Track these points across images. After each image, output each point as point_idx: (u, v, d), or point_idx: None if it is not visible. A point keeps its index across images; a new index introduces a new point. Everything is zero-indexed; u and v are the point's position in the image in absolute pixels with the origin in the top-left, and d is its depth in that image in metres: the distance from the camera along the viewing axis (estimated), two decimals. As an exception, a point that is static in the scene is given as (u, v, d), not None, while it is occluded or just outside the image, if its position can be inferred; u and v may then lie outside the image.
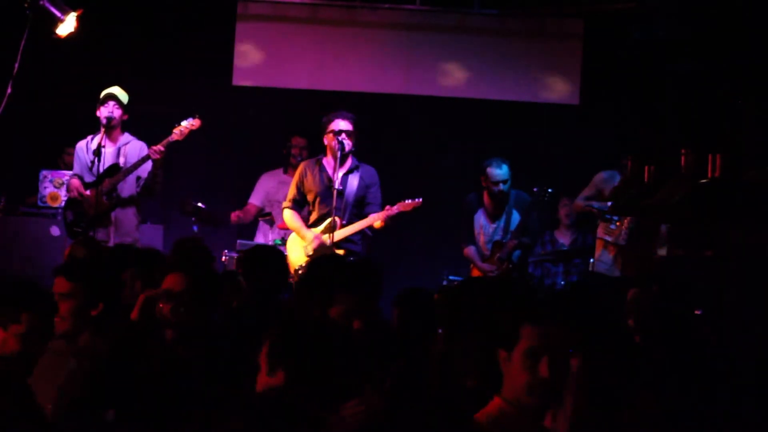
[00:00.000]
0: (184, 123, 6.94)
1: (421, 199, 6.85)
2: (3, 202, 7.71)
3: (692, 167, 5.17)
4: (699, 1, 7.60)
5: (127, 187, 7.01)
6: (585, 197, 7.48)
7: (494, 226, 7.31)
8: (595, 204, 7.31)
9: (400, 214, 6.81)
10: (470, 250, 7.31)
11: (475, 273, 7.25)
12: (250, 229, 8.42)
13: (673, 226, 6.91)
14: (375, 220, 6.80)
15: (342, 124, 6.78)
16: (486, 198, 7.34)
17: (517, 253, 7.26)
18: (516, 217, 7.29)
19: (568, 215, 8.38)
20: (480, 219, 7.36)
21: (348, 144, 6.75)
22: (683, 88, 7.74)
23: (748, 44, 7.14)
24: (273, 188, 8.14)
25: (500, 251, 7.19)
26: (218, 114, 8.11)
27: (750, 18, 7.12)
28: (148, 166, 6.92)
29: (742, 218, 5.38)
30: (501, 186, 7.19)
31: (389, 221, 6.77)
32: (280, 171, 8.21)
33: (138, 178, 7.00)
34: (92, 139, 7.06)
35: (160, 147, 6.84)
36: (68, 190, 7.05)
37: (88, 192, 6.93)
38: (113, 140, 7.05)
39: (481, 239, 7.35)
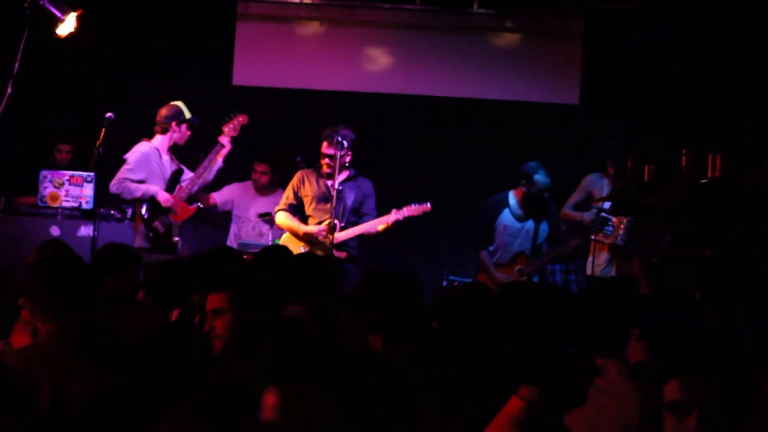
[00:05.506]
0: (235, 121, 7.40)
1: (429, 204, 6.87)
2: (3, 202, 7.69)
3: (692, 167, 5.17)
4: (699, 1, 7.61)
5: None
6: (574, 203, 7.36)
7: (521, 226, 7.12)
8: (586, 214, 7.19)
9: (408, 219, 6.88)
10: (485, 256, 7.12)
11: (482, 278, 6.97)
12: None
13: (674, 229, 6.90)
14: (381, 223, 6.87)
15: (326, 148, 6.91)
16: (519, 199, 7.11)
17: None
18: (544, 228, 7.13)
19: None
20: (505, 219, 7.12)
21: (326, 169, 6.92)
22: (683, 88, 7.75)
23: (748, 44, 7.14)
24: (241, 202, 8.18)
25: (524, 263, 7.01)
26: (218, 114, 8.09)
27: (749, 18, 7.13)
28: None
29: (742, 218, 5.38)
30: (546, 194, 7.02)
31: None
32: (250, 184, 8.30)
33: None
34: (153, 145, 7.36)
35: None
36: (158, 201, 7.20)
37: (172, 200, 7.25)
38: None
39: (504, 240, 7.12)
